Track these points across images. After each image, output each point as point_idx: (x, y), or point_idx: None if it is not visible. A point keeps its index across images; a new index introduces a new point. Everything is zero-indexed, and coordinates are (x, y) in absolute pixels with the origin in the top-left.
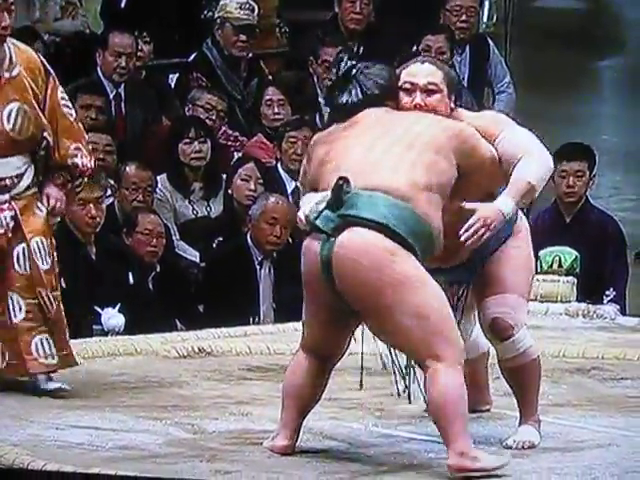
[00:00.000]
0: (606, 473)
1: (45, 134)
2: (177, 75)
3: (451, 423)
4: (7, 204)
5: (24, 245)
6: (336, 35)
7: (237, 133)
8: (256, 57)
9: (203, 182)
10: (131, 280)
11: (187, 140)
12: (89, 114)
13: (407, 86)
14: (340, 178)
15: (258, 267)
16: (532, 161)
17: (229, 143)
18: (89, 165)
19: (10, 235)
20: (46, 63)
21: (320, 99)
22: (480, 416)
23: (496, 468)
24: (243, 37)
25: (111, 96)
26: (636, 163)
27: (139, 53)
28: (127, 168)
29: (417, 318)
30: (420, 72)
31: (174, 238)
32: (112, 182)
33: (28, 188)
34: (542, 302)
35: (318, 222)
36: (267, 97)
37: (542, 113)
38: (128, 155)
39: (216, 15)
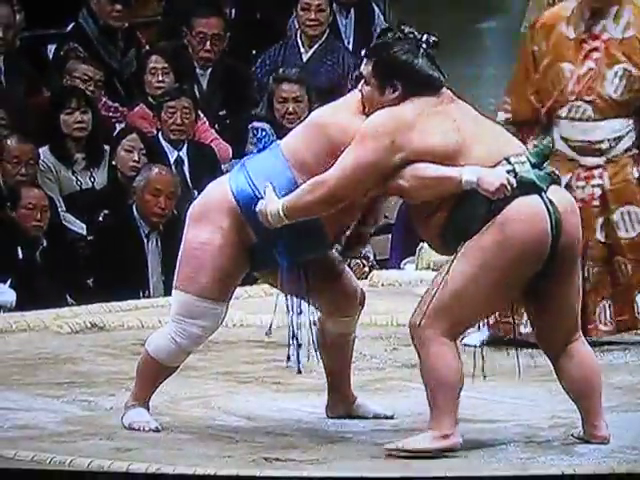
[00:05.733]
0: (516, 445)
1: None
2: (55, 46)
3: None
4: (599, 169)
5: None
6: (208, 4)
7: (117, 104)
8: (132, 26)
9: (85, 152)
10: (20, 255)
11: (68, 110)
12: None
13: None
14: (544, 138)
15: (145, 240)
16: None
17: (110, 114)
18: None
19: (597, 203)
20: None
21: (197, 70)
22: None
23: None
24: (118, 7)
25: None
26: None
27: None
28: (8, 141)
29: None
30: None
31: (60, 210)
32: None
33: (626, 151)
34: (435, 270)
35: (538, 181)
36: (151, 65)
37: None
38: (9, 128)
39: None
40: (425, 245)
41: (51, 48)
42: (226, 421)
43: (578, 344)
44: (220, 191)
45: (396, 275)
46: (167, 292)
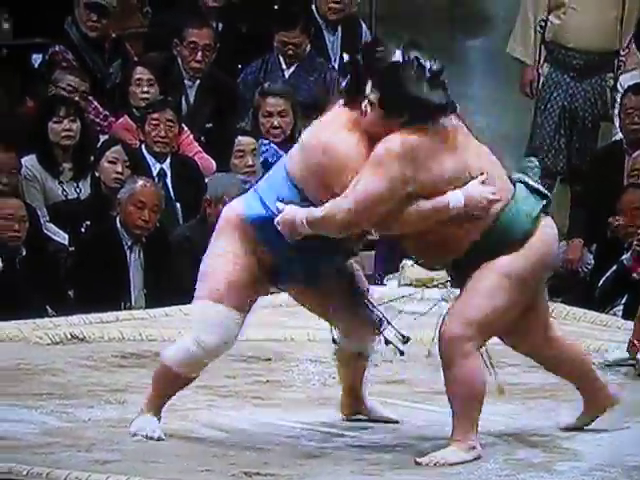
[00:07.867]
0: (495, 462)
1: None
2: (41, 55)
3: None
4: None
5: None
6: (199, 15)
7: (107, 112)
8: (120, 37)
9: (72, 162)
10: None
11: (57, 119)
12: None
13: None
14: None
15: (128, 252)
16: None
17: (98, 120)
18: None
19: None
20: None
21: (186, 81)
22: None
23: None
24: (94, 17)
25: None
26: (508, 145)
27: None
28: None
29: None
30: None
31: (42, 220)
32: None
33: None
34: (417, 287)
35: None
36: (136, 76)
37: None
38: None
39: None
40: (408, 262)
41: (36, 57)
42: (205, 435)
43: (554, 334)
44: (234, 210)
45: (379, 291)
46: (148, 304)
